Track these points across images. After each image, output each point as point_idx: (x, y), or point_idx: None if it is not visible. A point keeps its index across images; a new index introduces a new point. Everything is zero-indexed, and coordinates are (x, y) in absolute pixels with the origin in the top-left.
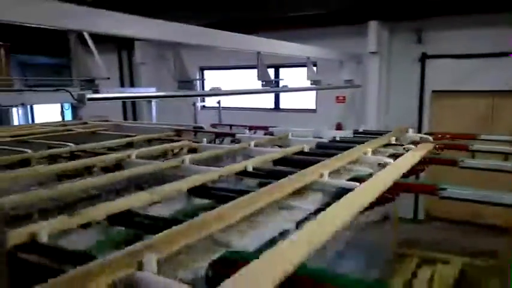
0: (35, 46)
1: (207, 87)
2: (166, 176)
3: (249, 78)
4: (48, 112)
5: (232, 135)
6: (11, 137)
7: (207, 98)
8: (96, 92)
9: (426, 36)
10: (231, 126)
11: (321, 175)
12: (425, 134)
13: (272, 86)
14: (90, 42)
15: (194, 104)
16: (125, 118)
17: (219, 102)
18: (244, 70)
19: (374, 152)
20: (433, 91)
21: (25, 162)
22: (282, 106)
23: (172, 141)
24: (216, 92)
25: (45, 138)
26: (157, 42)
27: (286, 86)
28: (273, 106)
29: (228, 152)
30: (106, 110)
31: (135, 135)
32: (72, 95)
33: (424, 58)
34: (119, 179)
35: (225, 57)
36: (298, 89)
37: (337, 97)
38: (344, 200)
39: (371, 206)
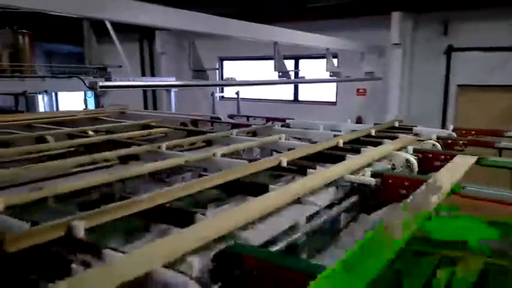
0: (59, 35)
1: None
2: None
3: (268, 69)
4: (72, 100)
5: (249, 126)
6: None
7: (225, 89)
8: (108, 79)
9: (452, 28)
10: (248, 117)
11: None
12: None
13: (289, 77)
14: (111, 31)
15: (212, 95)
16: (145, 107)
17: (237, 93)
18: (264, 61)
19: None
20: (459, 85)
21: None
22: (301, 98)
23: (192, 132)
24: (230, 82)
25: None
26: (177, 32)
27: (303, 78)
28: (292, 98)
29: (259, 145)
30: (127, 99)
31: (153, 126)
32: (84, 83)
33: (450, 51)
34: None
35: (244, 48)
36: (315, 81)
37: (358, 90)
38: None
39: (385, 202)
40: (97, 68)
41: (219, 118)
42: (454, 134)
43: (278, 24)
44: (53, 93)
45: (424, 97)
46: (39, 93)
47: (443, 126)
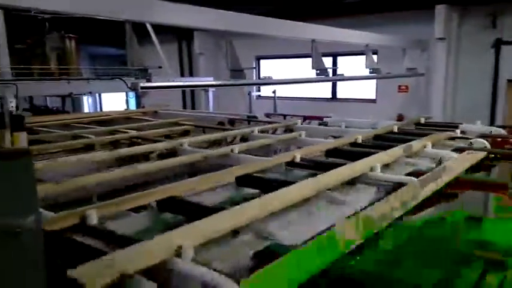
0: (103, 38)
1: (262, 77)
2: (215, 165)
3: (305, 67)
4: (115, 101)
5: (271, 123)
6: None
7: (262, 88)
8: (149, 81)
9: (501, 21)
10: (285, 116)
11: (372, 168)
12: (497, 126)
13: (327, 74)
14: (152, 33)
15: (249, 94)
16: (184, 107)
17: (274, 92)
18: (301, 59)
19: (436, 146)
20: (509, 80)
21: (89, 147)
22: (339, 96)
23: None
24: (267, 81)
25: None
26: (214, 32)
27: (342, 75)
28: (329, 96)
29: (279, 142)
30: (167, 99)
31: (190, 124)
32: (126, 84)
33: (498, 44)
34: (170, 165)
35: (280, 46)
36: (354, 78)
37: (399, 86)
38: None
39: (433, 202)
40: (138, 70)
41: (255, 117)
42: (503, 132)
43: (314, 21)
44: (97, 94)
45: (470, 93)
46: (84, 94)
47: (492, 123)
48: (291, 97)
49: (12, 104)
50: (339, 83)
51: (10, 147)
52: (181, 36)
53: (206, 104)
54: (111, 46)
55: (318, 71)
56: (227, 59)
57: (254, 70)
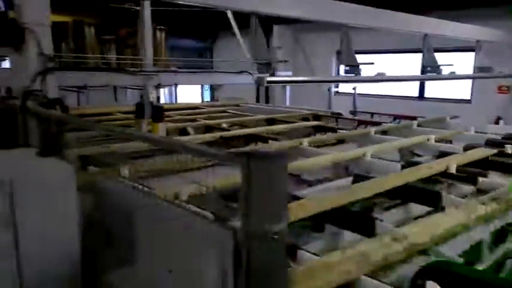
0: (184, 30)
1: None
2: None
3: (399, 62)
4: (189, 92)
5: (378, 124)
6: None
7: (340, 84)
8: (273, 75)
9: None
10: (372, 114)
11: None
12: None
13: (439, 72)
14: (234, 24)
15: (329, 90)
16: (257, 100)
17: (354, 89)
18: (392, 54)
19: None
20: None
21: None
22: (427, 95)
23: (322, 128)
24: (381, 78)
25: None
26: (294, 26)
27: (453, 73)
28: (416, 94)
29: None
30: (240, 92)
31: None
32: (252, 77)
33: None
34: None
35: (370, 41)
36: (462, 77)
37: (500, 87)
38: None
39: None
40: (261, 63)
41: (340, 114)
42: None
43: (418, 14)
44: (173, 87)
45: None
46: (167, 86)
47: None
48: (371, 94)
49: (153, 95)
50: (427, 81)
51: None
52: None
53: (282, 98)
54: (190, 38)
55: (429, 68)
56: (342, 53)
57: (333, 66)
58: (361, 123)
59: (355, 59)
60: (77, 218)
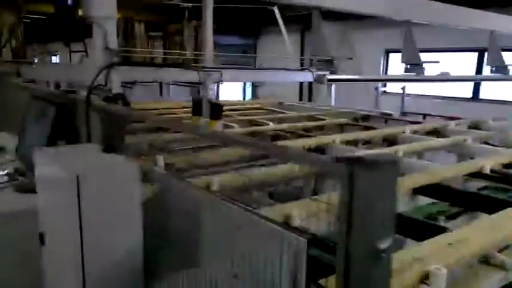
0: (227, 27)
1: (392, 72)
2: None
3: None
4: (231, 90)
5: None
6: None
7: (388, 83)
8: (333, 72)
9: None
10: (424, 115)
11: None
12: None
13: (507, 72)
14: (280, 20)
15: (376, 89)
16: (300, 99)
17: (403, 88)
18: (439, 53)
19: None
20: None
21: None
22: (482, 96)
23: (367, 127)
24: (447, 78)
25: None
26: (340, 22)
27: None
28: (470, 95)
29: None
30: (283, 90)
31: (325, 119)
32: (313, 75)
33: None
34: None
35: (433, 38)
36: None
37: None
38: None
39: None
40: (323, 60)
41: (390, 114)
42: None
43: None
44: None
45: None
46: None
47: None
48: (419, 94)
49: (212, 92)
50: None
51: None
52: (305, 26)
53: (325, 97)
54: (232, 35)
55: (494, 68)
56: (404, 50)
57: (381, 64)
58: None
59: (418, 57)
60: (141, 217)
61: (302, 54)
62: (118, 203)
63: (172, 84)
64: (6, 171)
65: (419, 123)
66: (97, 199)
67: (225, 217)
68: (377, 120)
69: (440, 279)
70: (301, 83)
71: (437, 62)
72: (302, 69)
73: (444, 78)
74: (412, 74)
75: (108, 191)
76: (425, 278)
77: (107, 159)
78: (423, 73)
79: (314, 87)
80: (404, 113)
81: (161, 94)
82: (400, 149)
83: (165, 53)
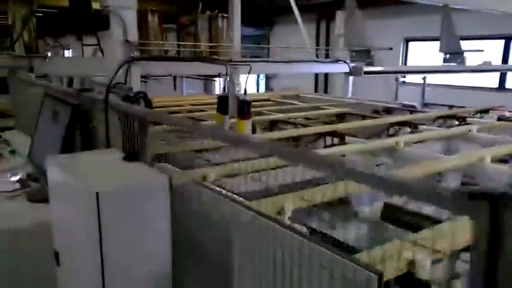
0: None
1: (410, 62)
2: None
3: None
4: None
5: (462, 118)
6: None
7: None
8: (370, 64)
9: None
10: (451, 106)
11: None
12: None
13: None
14: (295, 9)
15: (397, 80)
16: (316, 90)
17: (424, 78)
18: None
19: None
20: None
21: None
22: (509, 85)
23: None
24: (490, 67)
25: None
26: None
27: None
28: (496, 85)
29: None
30: (297, 81)
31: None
32: (349, 67)
33: None
34: None
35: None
36: None
37: None
38: None
39: None
40: (358, 51)
41: (413, 106)
42: None
43: None
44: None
45: None
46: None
47: None
48: (440, 84)
49: (238, 88)
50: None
51: None
52: (321, 16)
53: (342, 89)
54: (248, 26)
55: None
56: (442, 38)
57: (401, 53)
58: (440, 117)
59: (458, 46)
60: (170, 236)
61: (317, 44)
62: (144, 221)
63: (186, 77)
64: (18, 177)
65: (448, 116)
66: (120, 217)
67: (262, 234)
68: (400, 113)
69: None
70: (316, 74)
71: (481, 50)
72: (336, 61)
73: (489, 68)
74: (452, 65)
75: (133, 208)
76: None
77: (130, 170)
78: (464, 63)
79: (330, 79)
80: (425, 105)
81: (175, 88)
82: (402, 139)
83: (179, 46)
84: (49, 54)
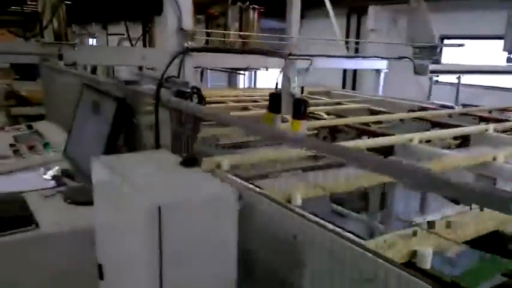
0: (268, 10)
1: (445, 60)
2: None
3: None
4: (267, 77)
5: (504, 121)
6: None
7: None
8: (436, 62)
9: None
10: (490, 111)
11: None
12: None
13: None
14: (327, 2)
15: (431, 79)
16: (343, 87)
17: (458, 78)
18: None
19: None
20: None
21: None
22: None
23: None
24: None
25: None
26: (391, 8)
27: None
28: None
29: None
30: (324, 78)
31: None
32: (414, 65)
33: None
34: None
35: (472, 24)
36: None
37: None
38: None
39: None
40: (422, 48)
41: (452, 107)
42: None
43: None
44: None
45: None
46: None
47: None
48: (476, 85)
49: (294, 85)
50: None
51: None
52: (352, 10)
53: (373, 86)
54: (275, 18)
55: None
56: (506, 37)
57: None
58: (483, 119)
59: None
60: (236, 254)
61: (347, 39)
62: (210, 238)
63: (211, 69)
64: (53, 173)
65: (490, 118)
66: (183, 233)
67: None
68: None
69: None
70: (344, 70)
71: None
72: (400, 58)
73: None
74: None
75: (199, 223)
76: None
77: (191, 178)
78: None
79: (358, 76)
80: (464, 106)
81: (201, 80)
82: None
83: (208, 35)
84: (77, 42)
